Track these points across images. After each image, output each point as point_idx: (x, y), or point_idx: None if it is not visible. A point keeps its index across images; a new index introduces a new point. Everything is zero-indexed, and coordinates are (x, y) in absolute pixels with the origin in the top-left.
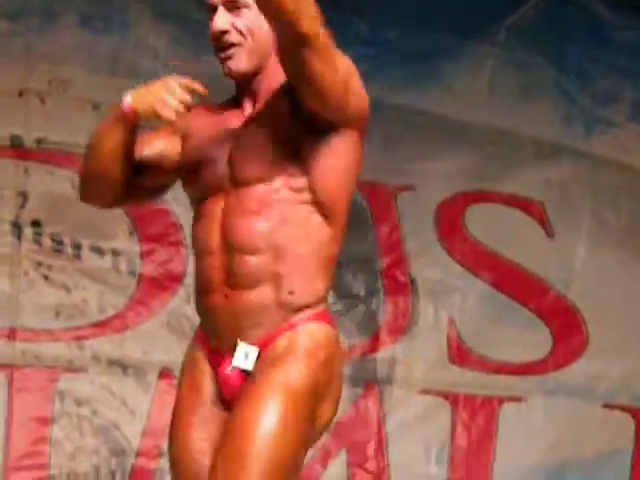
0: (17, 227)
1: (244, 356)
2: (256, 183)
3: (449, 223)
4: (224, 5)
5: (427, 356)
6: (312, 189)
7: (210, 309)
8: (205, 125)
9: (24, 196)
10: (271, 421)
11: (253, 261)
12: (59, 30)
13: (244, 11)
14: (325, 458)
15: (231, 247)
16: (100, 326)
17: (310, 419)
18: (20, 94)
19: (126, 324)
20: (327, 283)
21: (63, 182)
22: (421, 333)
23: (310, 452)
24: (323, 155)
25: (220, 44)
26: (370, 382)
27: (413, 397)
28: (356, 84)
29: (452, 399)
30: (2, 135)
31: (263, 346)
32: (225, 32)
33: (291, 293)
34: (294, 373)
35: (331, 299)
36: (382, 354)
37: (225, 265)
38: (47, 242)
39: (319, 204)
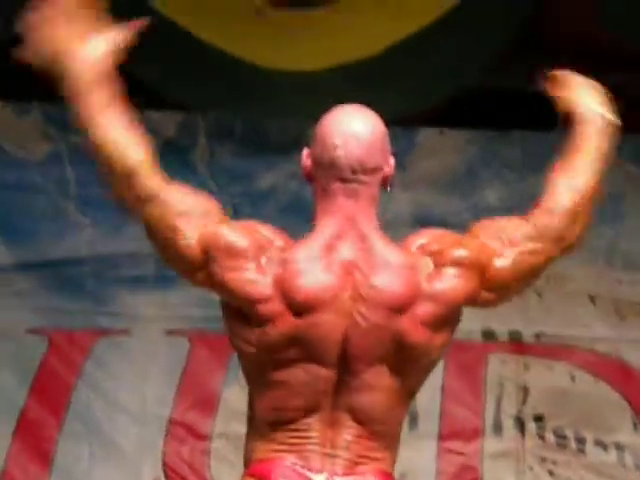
0: (520, 422)
1: None
2: None
3: None
4: None
5: None
6: None
7: None
8: None
9: (525, 391)
10: None
11: None
12: None
13: None
14: None
15: None
16: None
17: None
18: None
19: None
20: None
21: (562, 376)
22: None
23: None
24: None
25: None
26: None
27: None
28: None
29: None
30: (502, 330)
31: None
32: None
33: None
34: None
35: None
36: None
37: None
38: (550, 437)
39: None
